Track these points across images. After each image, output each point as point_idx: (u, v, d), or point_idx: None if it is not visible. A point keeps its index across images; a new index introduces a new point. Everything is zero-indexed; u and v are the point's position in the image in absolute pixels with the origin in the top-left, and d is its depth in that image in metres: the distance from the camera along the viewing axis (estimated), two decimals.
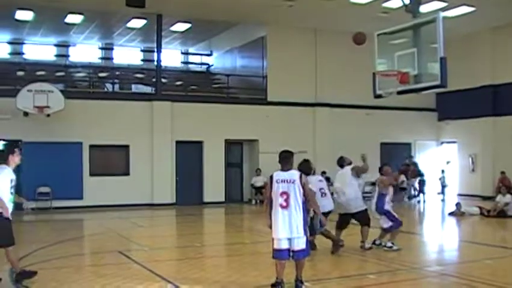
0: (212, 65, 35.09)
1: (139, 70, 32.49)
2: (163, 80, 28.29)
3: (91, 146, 24.54)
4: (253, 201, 27.02)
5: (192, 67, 36.36)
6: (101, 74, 30.13)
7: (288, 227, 9.06)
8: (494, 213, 20.56)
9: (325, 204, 12.42)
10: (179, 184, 25.96)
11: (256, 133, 27.30)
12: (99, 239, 16.60)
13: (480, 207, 21.64)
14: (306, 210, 9.27)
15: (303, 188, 9.16)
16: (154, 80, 27.62)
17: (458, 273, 10.83)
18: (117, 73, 31.26)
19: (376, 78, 15.21)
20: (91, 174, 24.48)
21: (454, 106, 30.17)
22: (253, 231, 19.21)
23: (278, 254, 9.15)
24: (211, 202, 26.25)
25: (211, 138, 26.58)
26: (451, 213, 21.57)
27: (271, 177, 9.46)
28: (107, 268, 11.68)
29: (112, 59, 34.56)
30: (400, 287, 9.93)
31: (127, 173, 25.27)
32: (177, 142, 25.92)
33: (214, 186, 26.71)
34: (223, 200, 26.79)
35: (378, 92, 15.28)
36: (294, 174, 9.31)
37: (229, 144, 27.51)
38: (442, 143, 32.19)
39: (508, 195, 20.86)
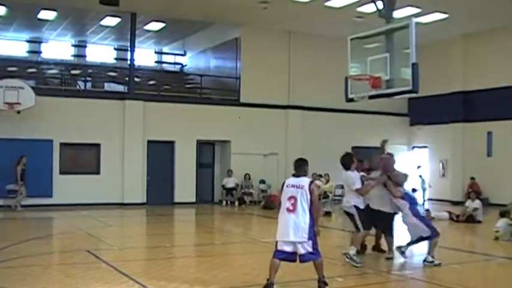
0: (186, 65, 35.04)
1: (112, 68, 32.35)
2: (136, 79, 28.18)
3: (62, 144, 24.33)
4: (224, 202, 26.98)
5: (165, 67, 36.28)
6: (73, 72, 29.92)
7: (292, 231, 9.30)
8: (463, 218, 20.73)
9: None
10: (150, 184, 25.86)
11: (229, 134, 27.31)
12: (68, 238, 16.47)
13: (449, 212, 21.82)
14: (312, 216, 9.43)
15: (310, 194, 9.40)
16: (127, 78, 27.49)
17: (426, 277, 10.92)
18: (90, 71, 31.07)
19: (349, 82, 15.26)
20: (61, 173, 24.27)
21: (426, 111, 30.44)
22: (223, 232, 19.21)
23: (279, 254, 9.40)
24: (182, 202, 26.19)
25: (183, 138, 26.52)
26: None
27: (284, 182, 9.83)
28: (76, 267, 11.60)
29: (85, 56, 34.36)
30: None
31: (97, 172, 25.09)
32: (149, 142, 25.83)
33: (185, 186, 26.65)
34: (194, 200, 26.75)
35: (350, 95, 15.32)
36: (304, 180, 9.58)
37: (201, 144, 27.47)
38: (414, 147, 32.45)
39: (477, 201, 21.05)
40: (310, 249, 9.34)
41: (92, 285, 9.75)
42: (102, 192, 24.74)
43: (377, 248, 13.32)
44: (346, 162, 12.32)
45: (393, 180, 12.34)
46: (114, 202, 24.77)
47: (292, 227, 9.31)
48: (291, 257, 9.43)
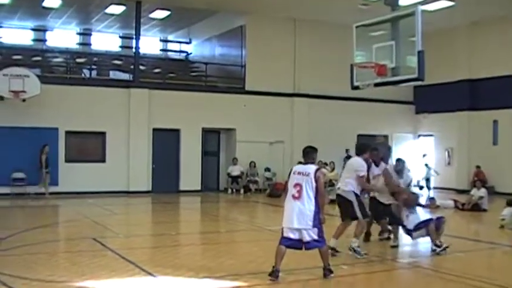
0: (191, 53, 34.99)
1: (117, 57, 32.30)
2: (141, 67, 28.15)
3: (67, 132, 24.34)
4: (229, 190, 27.00)
5: (170, 55, 36.24)
6: (79, 60, 29.89)
7: (297, 218, 9.39)
8: (469, 206, 20.72)
9: None
10: (155, 172, 25.87)
11: (234, 122, 27.28)
12: (73, 226, 16.51)
13: (455, 201, 21.81)
14: (318, 203, 9.47)
15: (316, 181, 9.45)
16: (132, 67, 27.44)
17: (430, 266, 10.92)
18: (95, 59, 31.03)
19: (354, 70, 15.22)
20: (67, 161, 24.29)
21: (432, 100, 30.34)
22: (229, 220, 19.24)
23: (285, 241, 9.51)
24: (187, 190, 26.21)
25: (189, 126, 26.50)
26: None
27: (291, 169, 9.96)
28: (82, 255, 11.64)
29: (90, 44, 34.31)
30: (373, 278, 10.00)
31: (103, 160, 25.12)
32: (154, 130, 25.81)
33: (190, 174, 26.66)
34: (199, 188, 26.76)
35: (356, 83, 15.29)
36: (310, 167, 9.66)
37: (207, 132, 27.46)
38: (419, 136, 32.38)
39: (483, 189, 21.03)
40: (316, 237, 9.38)
41: (98, 273, 9.77)
42: (108, 180, 24.76)
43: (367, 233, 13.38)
44: (361, 148, 12.18)
45: (404, 203, 12.46)
46: (119, 190, 24.80)
47: (297, 214, 9.39)
48: (296, 244, 9.50)
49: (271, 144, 27.71)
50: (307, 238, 9.39)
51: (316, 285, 9.43)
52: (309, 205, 9.36)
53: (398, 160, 13.68)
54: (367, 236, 13.18)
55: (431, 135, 31.51)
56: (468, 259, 11.83)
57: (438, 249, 11.80)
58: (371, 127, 29.91)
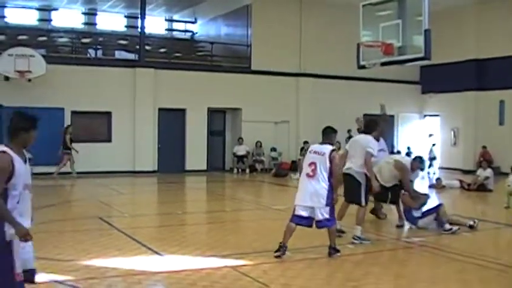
0: (196, 33, 34.88)
1: (123, 36, 32.20)
2: (146, 47, 28.08)
3: (73, 112, 24.34)
4: (235, 170, 27.04)
5: (176, 34, 36.11)
6: (84, 40, 29.82)
7: (309, 196, 9.49)
8: (474, 186, 20.72)
9: None
10: (161, 152, 25.89)
11: (240, 102, 27.24)
12: (80, 205, 16.61)
13: (460, 181, 21.82)
14: (331, 183, 9.52)
15: (330, 162, 9.52)
16: (137, 46, 27.37)
17: (436, 245, 10.92)
18: (100, 39, 30.95)
19: (360, 49, 15.16)
20: (73, 141, 24.30)
21: (438, 79, 30.24)
22: (234, 199, 19.28)
23: (296, 219, 9.61)
24: (193, 170, 26.24)
25: (194, 106, 26.49)
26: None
27: (308, 148, 10.20)
28: (88, 234, 11.70)
29: (95, 24, 34.22)
30: (378, 258, 10.02)
31: (109, 140, 25.14)
32: (160, 109, 25.81)
33: (196, 154, 26.68)
34: (205, 168, 26.80)
35: (362, 63, 15.23)
36: (326, 148, 9.71)
37: (212, 112, 27.44)
38: (425, 116, 32.32)
39: (489, 170, 21.02)
40: (327, 216, 9.49)
41: (104, 251, 9.83)
42: (114, 160, 24.79)
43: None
44: (370, 125, 11.83)
45: (412, 198, 12.49)
46: (125, 170, 24.84)
47: (310, 193, 9.48)
48: (307, 221, 9.60)
49: (276, 124, 27.70)
50: (319, 217, 9.46)
51: (322, 263, 9.45)
52: (322, 184, 9.42)
53: (419, 159, 13.36)
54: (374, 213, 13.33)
55: (437, 115, 31.43)
56: (473, 239, 11.84)
57: (454, 228, 12.01)
58: (377, 107, 29.77)
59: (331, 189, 9.47)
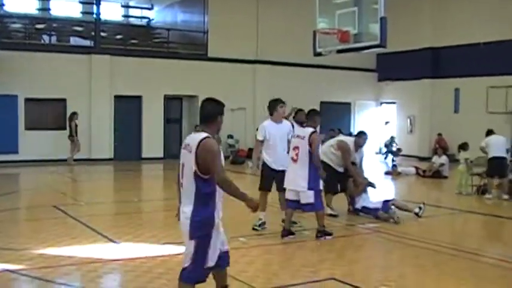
0: (153, 19, 34.58)
1: (78, 23, 31.75)
2: (102, 34, 27.72)
3: (27, 100, 23.95)
4: None
5: (132, 21, 35.74)
6: (38, 26, 29.31)
7: (293, 180, 9.74)
8: (430, 173, 21.01)
9: None
10: (117, 139, 25.65)
11: (196, 89, 27.04)
12: (34, 194, 16.38)
13: (416, 168, 22.10)
14: (313, 166, 9.61)
15: (309, 145, 9.65)
16: (93, 33, 27.02)
17: (391, 231, 11.03)
18: (55, 25, 30.46)
19: (317, 37, 15.16)
20: (26, 128, 23.94)
21: (394, 67, 30.50)
22: None
23: (288, 203, 9.98)
24: (150, 158, 26.08)
25: (151, 93, 26.28)
26: (387, 173, 21.98)
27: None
28: (43, 223, 11.57)
29: (49, 10, 33.67)
30: (334, 244, 10.07)
31: (64, 127, 24.76)
32: (116, 97, 25.54)
33: (153, 141, 26.51)
34: (161, 155, 26.65)
35: (318, 50, 15.24)
36: (306, 131, 9.87)
37: (169, 99, 27.27)
38: (382, 103, 32.59)
39: (444, 156, 21.35)
40: (312, 200, 9.63)
41: (59, 240, 9.72)
42: (69, 147, 24.47)
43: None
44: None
45: (355, 184, 12.59)
46: (81, 158, 24.52)
47: (294, 176, 9.72)
48: (296, 205, 9.87)
49: (233, 111, 27.57)
50: (303, 200, 9.66)
51: (278, 250, 9.48)
52: (304, 167, 9.56)
53: (362, 134, 13.09)
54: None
55: (393, 103, 31.72)
56: (428, 224, 12.01)
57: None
58: (334, 94, 30.06)
59: (315, 173, 9.51)
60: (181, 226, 5.84)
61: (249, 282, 7.55)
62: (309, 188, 9.52)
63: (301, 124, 11.65)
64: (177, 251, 9.07)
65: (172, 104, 27.78)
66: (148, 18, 34.78)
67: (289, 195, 9.90)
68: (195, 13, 29.23)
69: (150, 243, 9.58)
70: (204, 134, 5.78)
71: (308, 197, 9.60)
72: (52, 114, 24.86)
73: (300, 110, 12.53)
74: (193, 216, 5.69)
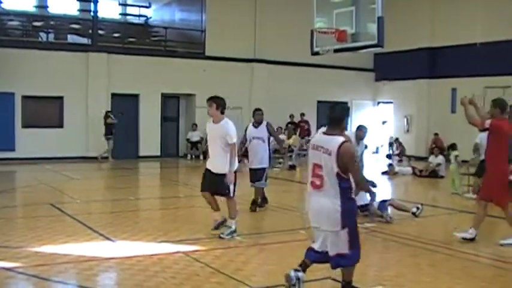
0: (150, 18, 34.53)
1: (76, 20, 31.70)
2: (100, 32, 27.71)
3: (24, 97, 23.94)
4: (189, 156, 26.96)
5: (130, 19, 35.67)
6: (35, 23, 29.26)
7: None
8: (426, 173, 21.04)
9: None
10: (115, 137, 25.59)
11: (194, 87, 27.06)
12: (31, 192, 16.35)
13: (413, 167, 22.13)
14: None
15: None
16: (90, 31, 27.02)
17: (388, 230, 11.05)
18: (52, 23, 30.42)
19: (314, 36, 15.18)
20: (23, 126, 23.94)
21: (392, 67, 30.54)
22: (188, 185, 19.19)
23: None
24: (147, 156, 26.08)
25: (148, 91, 26.28)
26: (384, 173, 22.00)
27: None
28: (39, 220, 11.54)
29: (47, 7, 33.62)
30: None
31: (61, 125, 24.79)
32: (113, 95, 25.54)
33: (150, 140, 26.51)
34: (158, 154, 26.66)
35: (316, 49, 15.24)
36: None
37: (166, 98, 27.27)
38: (379, 103, 32.63)
39: (440, 156, 21.37)
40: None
41: (55, 238, 9.72)
42: (66, 145, 24.46)
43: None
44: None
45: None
46: (77, 156, 24.54)
47: None
48: None
49: (229, 110, 27.56)
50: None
51: (273, 249, 9.50)
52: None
53: (362, 127, 13.16)
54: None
55: (390, 103, 31.77)
56: (425, 224, 12.04)
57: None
58: (331, 94, 30.04)
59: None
60: (323, 219, 6.53)
61: (245, 280, 7.55)
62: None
63: (258, 124, 11.97)
64: (175, 249, 9.10)
65: (170, 102, 27.79)
66: (146, 16, 34.72)
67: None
68: (192, 11, 29.23)
69: (147, 242, 9.58)
70: (341, 138, 6.44)
71: None
72: (49, 112, 24.85)
73: (258, 109, 12.82)
74: (342, 208, 6.41)
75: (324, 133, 6.64)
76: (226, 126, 10.23)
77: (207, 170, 10.16)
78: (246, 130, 13.23)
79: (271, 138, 13.14)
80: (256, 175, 12.69)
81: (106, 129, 24.37)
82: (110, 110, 24.63)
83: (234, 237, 9.94)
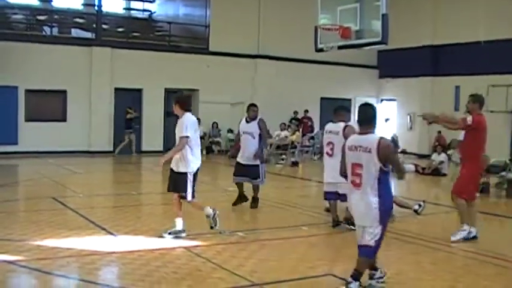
0: (154, 12, 34.51)
1: (80, 14, 31.69)
2: (103, 26, 27.67)
3: (27, 91, 23.94)
4: None
5: (134, 13, 35.66)
6: (39, 17, 29.25)
7: (330, 173, 10.27)
8: (429, 171, 21.05)
9: None
10: (117, 132, 25.61)
11: (197, 83, 27.06)
12: (33, 185, 16.37)
13: (415, 165, 22.12)
14: None
15: (345, 138, 9.86)
16: (94, 25, 27.01)
17: (389, 228, 10.98)
18: (56, 17, 30.41)
19: (318, 32, 15.19)
20: (27, 120, 23.94)
21: (395, 64, 30.48)
22: None
23: (326, 195, 10.74)
24: (149, 151, 26.06)
25: (151, 86, 26.27)
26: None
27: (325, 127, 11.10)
28: (41, 214, 11.57)
29: (51, 1, 33.58)
30: (332, 240, 10.11)
31: (64, 119, 24.79)
32: (116, 89, 25.53)
33: (152, 135, 26.48)
34: (161, 149, 26.61)
35: (320, 46, 15.27)
36: (340, 125, 10.50)
37: (169, 93, 27.23)
38: (382, 100, 32.58)
39: (443, 154, 21.36)
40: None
41: (57, 232, 9.73)
42: (69, 139, 24.44)
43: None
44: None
45: None
46: (80, 150, 24.56)
47: (330, 170, 10.20)
48: (333, 196, 10.48)
49: (232, 106, 27.63)
50: (343, 191, 9.91)
51: (275, 245, 9.50)
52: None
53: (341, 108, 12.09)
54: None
55: (394, 100, 31.72)
56: (427, 222, 12.02)
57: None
58: (334, 91, 30.03)
59: None
60: (363, 215, 6.88)
61: (247, 276, 7.55)
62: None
63: (251, 120, 11.95)
64: (176, 244, 9.10)
65: (173, 97, 27.68)
66: (150, 11, 34.68)
67: (328, 188, 10.49)
68: (196, 7, 29.20)
69: (148, 236, 9.59)
70: (377, 135, 6.92)
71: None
72: (52, 106, 24.84)
73: (253, 105, 12.80)
74: (382, 205, 6.77)
75: (360, 133, 7.05)
76: (180, 120, 9.92)
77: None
78: (239, 125, 13.24)
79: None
80: (251, 172, 12.49)
81: (125, 123, 25.11)
82: (130, 106, 25.05)
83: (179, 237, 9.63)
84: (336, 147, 10.17)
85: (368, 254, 7.00)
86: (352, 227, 10.03)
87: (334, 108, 10.93)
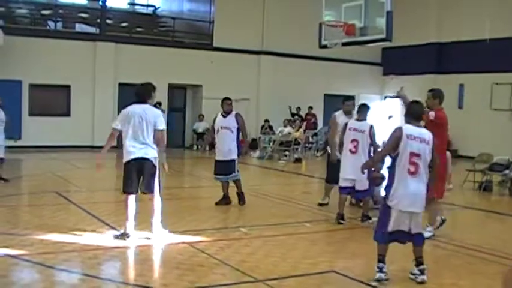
0: (159, 8, 34.53)
1: (84, 9, 31.71)
2: (108, 21, 27.72)
3: (31, 85, 23.99)
4: (195, 147, 27.00)
5: (138, 9, 35.67)
6: (44, 12, 29.28)
7: (352, 169, 10.34)
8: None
9: None
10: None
11: (201, 78, 27.09)
12: (36, 180, 16.41)
13: None
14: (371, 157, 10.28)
15: (370, 138, 10.75)
16: (98, 20, 27.03)
17: None
18: (61, 11, 30.43)
19: (322, 29, 15.19)
20: (30, 114, 24.00)
21: (400, 61, 30.43)
22: (193, 176, 19.26)
23: (341, 190, 10.85)
24: None
25: (155, 81, 25.58)
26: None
27: (346, 123, 11.04)
28: (44, 208, 11.60)
29: None
30: (335, 236, 10.10)
31: (68, 114, 24.85)
32: (120, 84, 25.54)
33: None
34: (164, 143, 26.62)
35: (324, 42, 15.27)
36: (365, 124, 10.90)
37: (173, 88, 27.28)
38: (386, 97, 32.54)
39: (447, 152, 21.25)
40: (367, 187, 10.44)
41: (60, 226, 9.74)
42: (72, 134, 24.51)
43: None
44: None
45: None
46: (84, 145, 24.59)
47: (350, 166, 10.41)
48: (347, 191, 10.78)
49: (236, 102, 27.53)
50: (360, 188, 10.49)
51: (278, 241, 9.50)
52: (364, 159, 10.05)
53: (346, 100, 12.70)
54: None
55: (398, 97, 31.60)
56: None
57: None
58: (338, 87, 29.99)
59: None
60: (416, 201, 7.29)
61: (249, 272, 7.54)
62: (368, 177, 9.56)
63: (227, 114, 11.97)
64: (179, 239, 9.11)
65: (177, 92, 27.79)
66: (154, 6, 34.71)
67: (344, 183, 10.62)
68: (201, 2, 29.24)
69: (151, 231, 9.59)
70: (425, 129, 7.53)
71: (365, 185, 10.22)
72: (56, 100, 24.88)
73: (226, 98, 12.62)
74: (426, 192, 7.39)
75: (415, 125, 7.40)
76: None
77: None
78: (214, 120, 12.84)
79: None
80: (226, 167, 12.26)
81: None
82: (159, 101, 24.62)
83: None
84: (359, 145, 10.50)
85: (422, 242, 7.72)
86: (369, 221, 10.59)
87: (359, 105, 11.20)
